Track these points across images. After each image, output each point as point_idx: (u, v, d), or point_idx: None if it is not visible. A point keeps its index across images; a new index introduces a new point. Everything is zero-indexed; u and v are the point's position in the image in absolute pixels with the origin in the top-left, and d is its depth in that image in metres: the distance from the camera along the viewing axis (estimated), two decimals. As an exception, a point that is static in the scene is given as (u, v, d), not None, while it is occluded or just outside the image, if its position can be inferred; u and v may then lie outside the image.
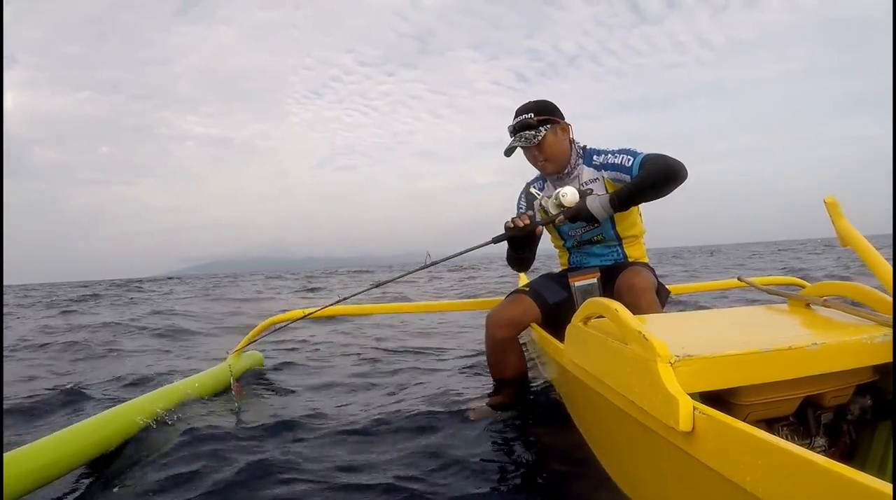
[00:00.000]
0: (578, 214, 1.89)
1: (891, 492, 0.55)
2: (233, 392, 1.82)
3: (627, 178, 1.94)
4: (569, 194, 1.88)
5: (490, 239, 1.99)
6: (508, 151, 2.07)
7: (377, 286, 2.29)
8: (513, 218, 1.97)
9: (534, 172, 2.25)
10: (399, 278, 2.60)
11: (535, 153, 2.04)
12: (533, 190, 2.20)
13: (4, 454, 1.28)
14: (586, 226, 2.03)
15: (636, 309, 1.71)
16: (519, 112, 2.04)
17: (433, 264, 2.05)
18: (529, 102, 2.06)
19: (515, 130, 2.02)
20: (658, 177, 1.83)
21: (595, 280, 1.97)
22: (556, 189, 2.03)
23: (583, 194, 1.90)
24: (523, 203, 2.25)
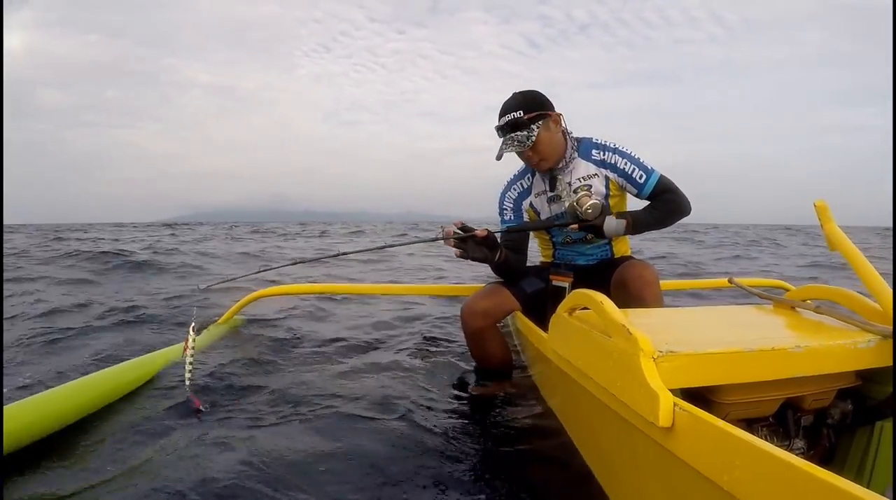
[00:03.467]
0: (592, 230, 1.87)
1: (864, 495, 0.54)
2: (190, 400, 1.74)
3: (635, 191, 1.96)
4: (591, 210, 1.82)
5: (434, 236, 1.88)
6: (500, 157, 1.90)
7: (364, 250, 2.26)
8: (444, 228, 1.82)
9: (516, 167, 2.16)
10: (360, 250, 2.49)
11: (530, 154, 1.90)
12: (560, 186, 1.99)
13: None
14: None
15: (641, 301, 1.73)
16: (506, 110, 1.88)
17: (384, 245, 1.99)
18: (516, 93, 1.90)
19: (504, 131, 1.86)
20: (673, 217, 1.93)
21: (567, 284, 1.92)
22: (546, 184, 2.03)
23: (602, 211, 1.84)
24: (508, 205, 2.12)
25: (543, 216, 2.07)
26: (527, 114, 1.84)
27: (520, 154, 1.94)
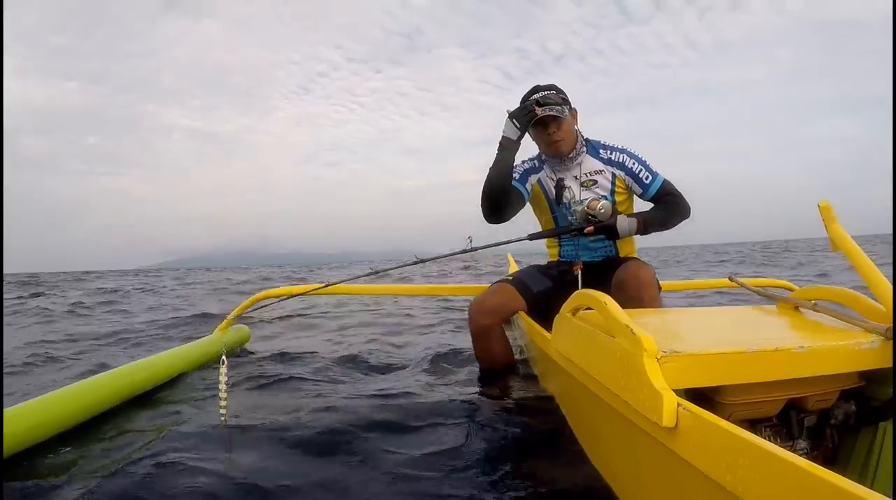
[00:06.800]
0: (605, 230, 1.93)
1: (867, 496, 0.54)
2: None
3: (640, 192, 2.08)
4: (604, 210, 1.92)
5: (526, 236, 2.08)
6: (534, 121, 1.98)
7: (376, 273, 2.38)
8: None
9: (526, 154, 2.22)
10: (401, 265, 2.53)
11: (554, 130, 1.99)
12: (567, 184, 2.10)
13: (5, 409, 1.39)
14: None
15: (639, 301, 1.74)
16: (537, 90, 2.00)
17: (471, 250, 2.05)
18: (543, 84, 2.03)
19: (539, 103, 1.95)
20: (676, 219, 2.04)
21: (578, 272, 2.01)
22: (557, 175, 2.11)
23: (614, 211, 1.94)
24: (518, 169, 2.17)
25: (549, 195, 2.16)
26: (560, 95, 2.01)
27: (542, 131, 2.02)
